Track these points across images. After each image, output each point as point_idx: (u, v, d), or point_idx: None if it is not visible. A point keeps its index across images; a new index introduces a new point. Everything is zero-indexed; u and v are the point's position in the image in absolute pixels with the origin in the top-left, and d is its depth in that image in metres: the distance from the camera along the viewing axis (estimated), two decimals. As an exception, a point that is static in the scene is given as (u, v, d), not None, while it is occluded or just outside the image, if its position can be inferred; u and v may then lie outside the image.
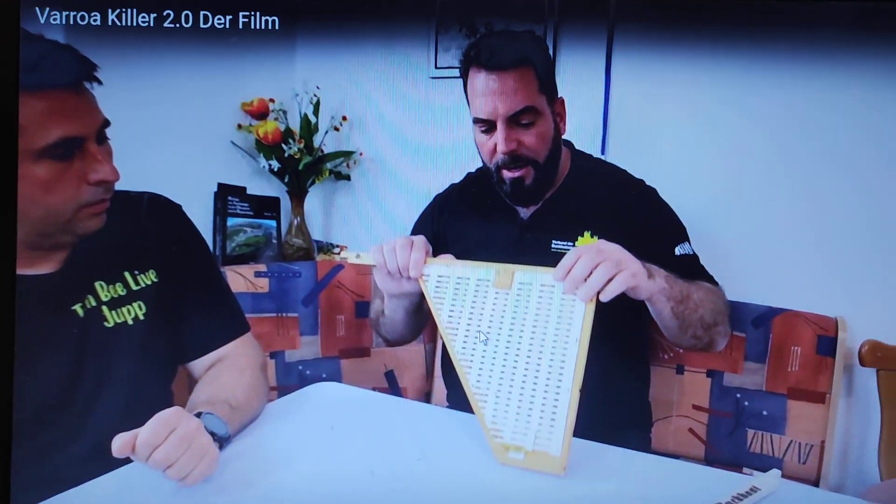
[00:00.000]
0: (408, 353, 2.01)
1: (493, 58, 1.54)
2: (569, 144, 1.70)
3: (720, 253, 1.62)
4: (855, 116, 1.77)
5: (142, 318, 1.36)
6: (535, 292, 1.37)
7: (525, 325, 1.35)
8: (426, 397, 2.03)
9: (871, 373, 1.78)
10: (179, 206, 1.46)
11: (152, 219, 1.40)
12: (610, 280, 1.30)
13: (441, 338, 1.83)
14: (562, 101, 1.62)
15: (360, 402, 1.56)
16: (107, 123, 1.26)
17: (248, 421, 1.38)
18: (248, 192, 2.30)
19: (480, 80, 1.55)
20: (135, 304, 1.35)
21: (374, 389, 1.86)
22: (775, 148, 1.85)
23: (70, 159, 1.21)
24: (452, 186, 1.78)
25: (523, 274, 1.39)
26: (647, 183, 1.66)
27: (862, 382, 1.84)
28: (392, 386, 2.01)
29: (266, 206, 2.31)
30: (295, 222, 2.34)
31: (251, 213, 2.28)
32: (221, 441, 1.22)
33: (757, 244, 1.90)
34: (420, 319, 1.64)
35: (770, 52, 1.81)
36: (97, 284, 1.32)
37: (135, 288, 1.36)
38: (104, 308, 1.33)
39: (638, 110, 1.98)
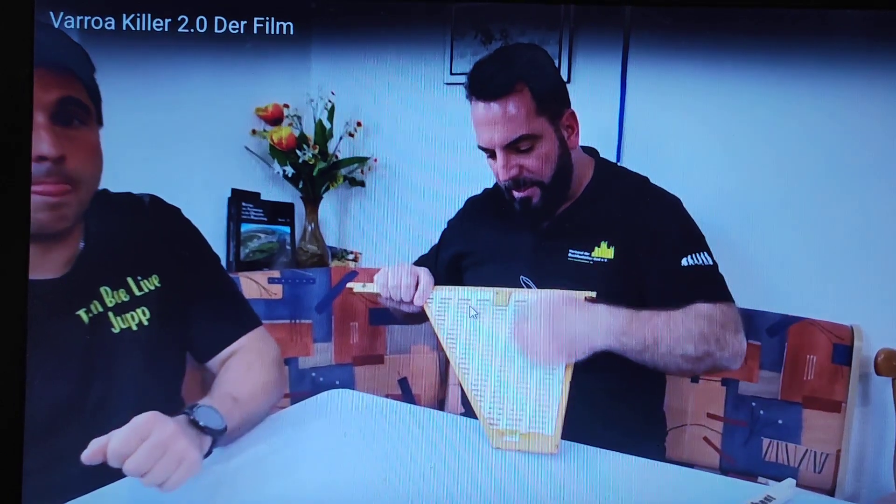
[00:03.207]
0: (422, 361, 2.01)
1: (483, 88, 1.55)
2: (593, 152, 1.69)
3: (735, 261, 1.61)
4: (872, 125, 1.76)
5: (146, 323, 1.35)
6: (530, 307, 1.46)
7: None
8: (440, 405, 2.02)
9: (886, 382, 1.77)
10: (178, 210, 1.46)
11: (154, 221, 1.40)
12: None
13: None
14: (571, 113, 1.60)
15: (374, 410, 1.56)
16: (74, 102, 1.24)
17: (257, 414, 1.38)
18: (262, 197, 2.30)
19: (477, 110, 1.57)
20: (139, 311, 1.35)
21: (387, 397, 1.86)
22: (791, 156, 1.85)
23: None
24: (486, 191, 1.78)
25: (519, 294, 1.49)
26: (667, 190, 1.65)
27: (878, 391, 1.83)
28: (405, 393, 2.01)
29: (280, 212, 2.32)
30: (309, 228, 2.34)
31: (265, 219, 2.28)
32: (215, 434, 1.22)
33: (772, 252, 1.89)
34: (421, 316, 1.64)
35: (788, 61, 1.80)
36: (102, 290, 1.32)
37: (138, 294, 1.36)
38: (110, 314, 1.32)
39: (654, 118, 1.98)
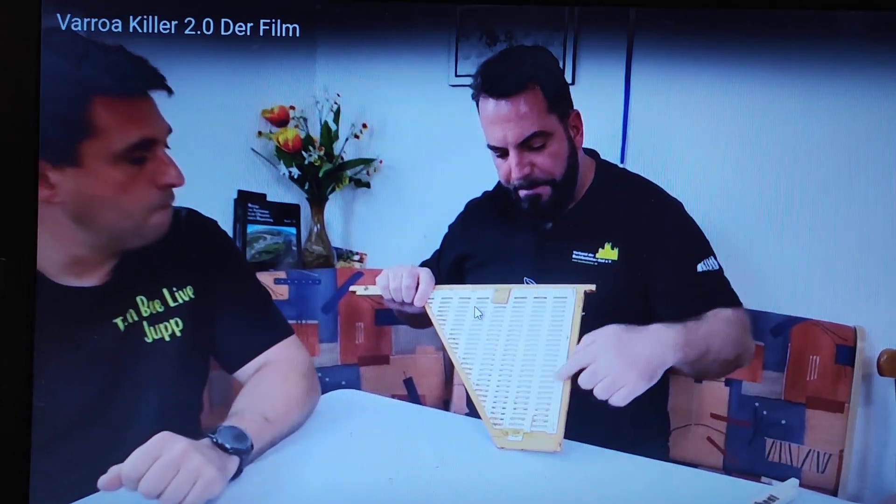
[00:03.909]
0: (427, 361, 2.02)
1: (496, 85, 1.55)
2: (594, 154, 1.70)
3: (739, 262, 1.62)
4: (877, 124, 1.76)
5: (178, 334, 1.36)
6: (529, 303, 1.48)
7: (521, 330, 1.46)
8: (445, 405, 2.03)
9: (889, 382, 1.77)
10: (215, 222, 1.48)
11: (190, 235, 1.41)
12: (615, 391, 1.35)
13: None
14: (577, 114, 1.61)
15: (379, 410, 1.56)
16: (170, 130, 1.29)
17: (289, 430, 1.37)
18: (268, 199, 2.30)
19: (488, 108, 1.56)
20: (171, 321, 1.36)
21: (392, 397, 1.87)
22: (795, 158, 1.85)
23: (142, 163, 1.24)
24: (485, 194, 1.79)
25: (519, 290, 1.52)
26: (669, 193, 1.65)
27: (881, 392, 1.83)
28: (411, 393, 2.01)
29: (286, 213, 2.32)
30: (315, 229, 2.35)
31: (271, 220, 2.28)
32: (242, 454, 1.21)
33: (775, 253, 1.90)
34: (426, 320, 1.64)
35: (792, 63, 1.81)
36: (138, 299, 1.34)
37: (172, 305, 1.37)
38: (144, 323, 1.34)
39: (657, 120, 1.98)
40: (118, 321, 1.32)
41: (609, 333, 1.40)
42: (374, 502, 1.20)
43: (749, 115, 1.88)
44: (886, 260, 1.79)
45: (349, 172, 2.35)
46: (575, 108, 1.62)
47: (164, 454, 1.11)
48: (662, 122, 1.97)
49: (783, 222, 1.88)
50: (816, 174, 1.84)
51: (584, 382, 1.36)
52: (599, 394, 1.34)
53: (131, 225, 1.27)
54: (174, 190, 1.34)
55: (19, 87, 1.38)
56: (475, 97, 1.59)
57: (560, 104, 1.58)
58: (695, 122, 1.94)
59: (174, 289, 1.38)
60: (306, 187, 2.32)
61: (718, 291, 1.55)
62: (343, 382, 1.96)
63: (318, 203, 2.34)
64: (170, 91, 1.28)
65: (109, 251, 1.31)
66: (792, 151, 1.85)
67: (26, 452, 1.31)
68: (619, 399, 1.34)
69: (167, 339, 1.36)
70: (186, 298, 1.39)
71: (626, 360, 1.35)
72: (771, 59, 1.82)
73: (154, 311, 1.35)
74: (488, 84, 1.56)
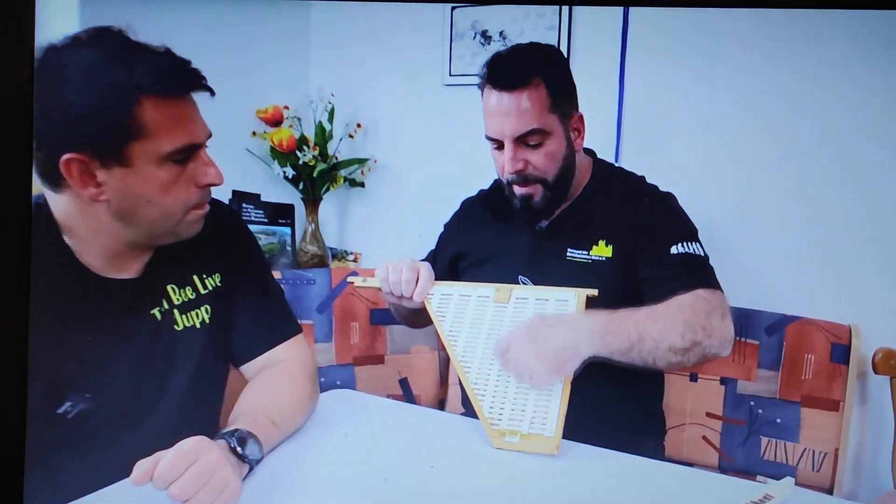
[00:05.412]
0: (422, 361, 2.02)
1: (501, 76, 1.54)
2: (591, 153, 1.70)
3: (733, 260, 1.62)
4: (870, 125, 1.76)
5: (207, 321, 1.38)
6: (530, 305, 1.47)
7: None
8: (440, 404, 2.03)
9: (884, 380, 1.78)
10: (238, 213, 1.48)
11: (218, 225, 1.42)
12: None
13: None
14: (580, 117, 1.60)
15: (374, 410, 1.56)
16: (210, 134, 1.31)
17: (291, 433, 1.38)
18: (263, 198, 2.30)
19: (491, 99, 1.55)
20: (202, 308, 1.38)
21: (388, 397, 1.86)
22: (789, 156, 1.85)
23: (185, 163, 1.25)
24: (481, 192, 1.79)
25: (521, 290, 1.50)
26: (662, 189, 1.65)
27: (876, 390, 1.83)
28: (406, 393, 2.01)
29: (280, 213, 2.32)
30: (309, 229, 2.35)
31: (266, 219, 2.28)
32: (254, 464, 1.22)
33: (770, 252, 1.90)
34: (426, 316, 1.64)
35: (786, 57, 1.81)
36: (169, 288, 1.35)
37: (203, 292, 1.39)
38: (175, 311, 1.35)
39: (651, 118, 1.98)
40: (156, 311, 1.34)
41: (527, 323, 1.41)
42: (369, 502, 1.19)
43: (743, 115, 1.88)
44: (881, 259, 1.79)
45: (343, 172, 2.35)
46: (579, 110, 1.61)
47: (199, 461, 1.11)
48: (656, 120, 1.97)
49: (778, 220, 1.88)
50: (811, 173, 1.84)
51: (502, 367, 1.40)
52: (517, 380, 1.39)
53: (170, 223, 1.29)
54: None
55: (13, 85, 1.37)
56: (480, 87, 1.58)
57: (563, 104, 1.57)
58: (689, 120, 1.94)
59: (204, 276, 1.41)
60: (301, 187, 2.32)
61: (691, 273, 1.52)
62: (338, 382, 1.96)
63: (312, 203, 2.34)
64: (212, 92, 1.28)
65: (145, 247, 1.33)
66: (787, 150, 1.86)
67: (21, 451, 1.31)
68: (533, 386, 1.38)
69: (198, 326, 1.38)
70: (214, 285, 1.41)
71: (533, 351, 1.36)
72: (765, 56, 1.82)
73: (186, 299, 1.37)
74: (493, 75, 1.55)
